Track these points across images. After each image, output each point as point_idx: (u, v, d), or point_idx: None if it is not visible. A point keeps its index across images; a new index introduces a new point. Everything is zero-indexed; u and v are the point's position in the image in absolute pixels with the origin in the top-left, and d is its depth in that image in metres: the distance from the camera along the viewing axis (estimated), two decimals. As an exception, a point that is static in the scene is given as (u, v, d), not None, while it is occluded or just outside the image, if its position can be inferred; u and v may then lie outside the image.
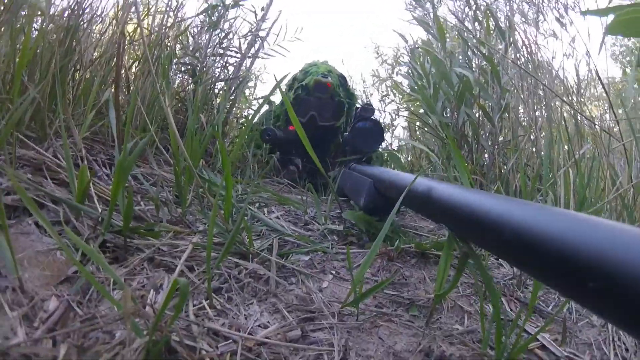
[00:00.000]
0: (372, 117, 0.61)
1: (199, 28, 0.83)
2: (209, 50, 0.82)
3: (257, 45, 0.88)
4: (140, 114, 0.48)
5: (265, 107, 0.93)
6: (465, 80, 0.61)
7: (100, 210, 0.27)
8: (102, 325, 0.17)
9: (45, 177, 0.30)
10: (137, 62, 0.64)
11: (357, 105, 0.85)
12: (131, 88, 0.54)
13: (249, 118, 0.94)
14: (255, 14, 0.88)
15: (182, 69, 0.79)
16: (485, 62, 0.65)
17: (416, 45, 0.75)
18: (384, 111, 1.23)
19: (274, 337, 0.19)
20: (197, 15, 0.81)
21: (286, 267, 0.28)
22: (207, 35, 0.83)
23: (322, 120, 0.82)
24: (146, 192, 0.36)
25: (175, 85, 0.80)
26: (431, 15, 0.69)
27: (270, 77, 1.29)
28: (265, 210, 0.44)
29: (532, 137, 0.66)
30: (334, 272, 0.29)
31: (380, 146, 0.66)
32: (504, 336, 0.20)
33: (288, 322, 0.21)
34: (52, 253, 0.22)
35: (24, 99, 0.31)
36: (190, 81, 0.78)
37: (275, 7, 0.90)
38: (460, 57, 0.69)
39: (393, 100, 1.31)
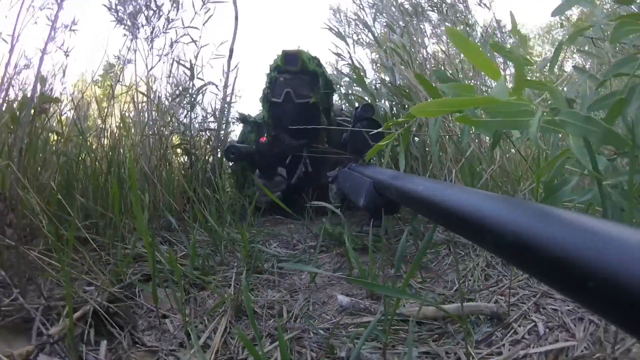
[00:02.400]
0: (372, 117, 0.64)
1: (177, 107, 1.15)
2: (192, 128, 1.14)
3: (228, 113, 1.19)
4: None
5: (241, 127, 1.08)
6: (385, 113, 0.92)
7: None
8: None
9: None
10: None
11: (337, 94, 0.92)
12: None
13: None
14: (217, 86, 1.19)
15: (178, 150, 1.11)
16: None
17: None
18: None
19: (279, 298, 0.49)
20: (174, 99, 1.13)
21: (281, 273, 0.58)
22: (187, 115, 1.15)
23: (298, 97, 0.85)
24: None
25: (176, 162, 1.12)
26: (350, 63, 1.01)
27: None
28: (267, 243, 0.74)
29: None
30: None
31: None
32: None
33: (284, 294, 0.51)
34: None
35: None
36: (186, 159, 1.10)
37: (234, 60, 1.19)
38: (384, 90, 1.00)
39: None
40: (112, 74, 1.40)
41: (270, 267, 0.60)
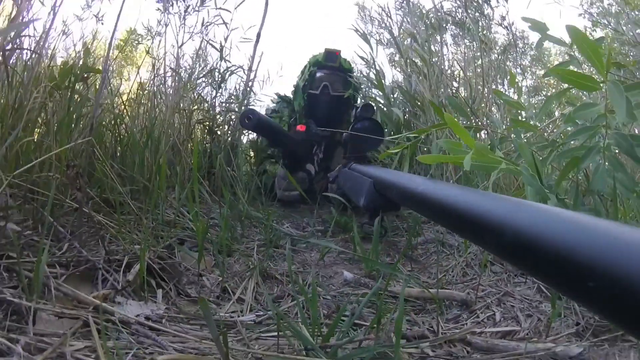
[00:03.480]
0: (372, 116, 0.68)
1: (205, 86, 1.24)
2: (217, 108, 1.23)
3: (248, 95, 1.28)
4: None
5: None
6: (398, 118, 1.02)
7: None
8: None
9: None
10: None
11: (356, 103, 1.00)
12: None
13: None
14: (244, 70, 1.28)
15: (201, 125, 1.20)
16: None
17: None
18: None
19: (294, 269, 0.61)
20: (202, 77, 1.22)
21: (294, 249, 0.70)
22: (214, 95, 1.24)
23: (334, 91, 0.98)
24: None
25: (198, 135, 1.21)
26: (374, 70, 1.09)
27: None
28: (280, 222, 0.86)
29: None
30: (316, 249, 0.71)
31: (380, 146, 0.73)
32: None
33: (297, 267, 0.63)
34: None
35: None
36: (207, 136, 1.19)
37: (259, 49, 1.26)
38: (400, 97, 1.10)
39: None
40: (135, 41, 1.46)
41: (285, 243, 0.72)
